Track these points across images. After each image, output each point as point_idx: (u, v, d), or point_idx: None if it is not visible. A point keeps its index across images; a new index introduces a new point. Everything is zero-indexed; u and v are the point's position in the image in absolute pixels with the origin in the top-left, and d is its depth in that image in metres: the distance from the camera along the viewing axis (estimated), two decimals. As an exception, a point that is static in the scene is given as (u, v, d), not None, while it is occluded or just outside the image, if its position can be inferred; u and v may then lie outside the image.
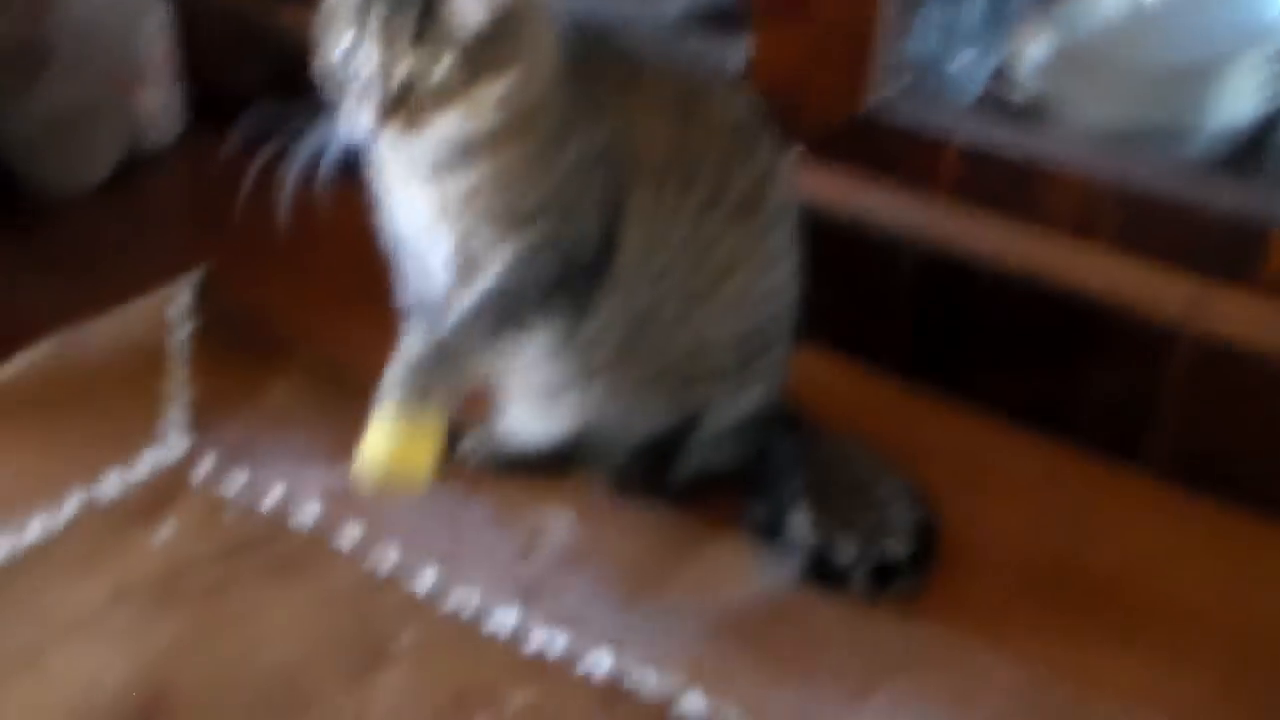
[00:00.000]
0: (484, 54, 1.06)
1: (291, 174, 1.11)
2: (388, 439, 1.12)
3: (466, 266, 1.18)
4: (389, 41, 1.05)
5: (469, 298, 1.17)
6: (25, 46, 1.61)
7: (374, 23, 1.05)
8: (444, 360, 1.15)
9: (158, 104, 1.75)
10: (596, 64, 1.15)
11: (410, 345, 1.17)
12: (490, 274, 1.17)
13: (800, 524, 1.19)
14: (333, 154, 1.10)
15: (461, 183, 1.13)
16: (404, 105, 1.06)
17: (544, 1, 1.11)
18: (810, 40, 1.41)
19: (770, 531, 1.21)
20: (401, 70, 1.05)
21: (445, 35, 1.05)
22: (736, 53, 1.46)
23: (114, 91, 1.70)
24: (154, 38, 1.74)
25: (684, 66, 1.22)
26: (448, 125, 1.08)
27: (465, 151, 1.11)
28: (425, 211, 1.17)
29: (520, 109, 1.10)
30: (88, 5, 1.63)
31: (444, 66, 1.05)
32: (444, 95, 1.06)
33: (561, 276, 1.16)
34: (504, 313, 1.16)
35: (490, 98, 1.08)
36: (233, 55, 1.77)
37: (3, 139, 1.65)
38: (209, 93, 1.78)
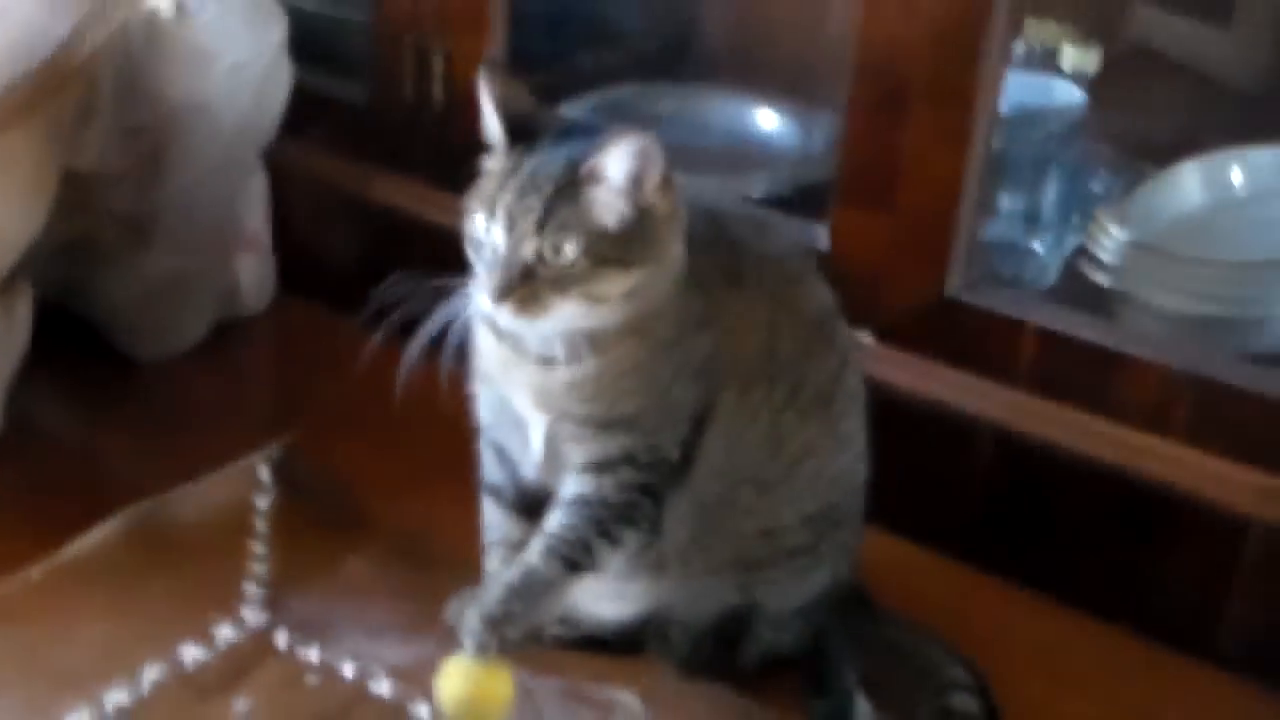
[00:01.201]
0: (613, 248, 1.07)
1: (414, 349, 1.14)
2: (463, 680, 1.14)
3: (552, 460, 1.20)
4: (514, 223, 1.06)
5: (550, 527, 1.18)
6: (132, 220, 1.66)
7: (502, 202, 1.07)
8: (520, 600, 1.15)
9: (253, 272, 1.81)
10: (707, 261, 1.16)
11: (489, 584, 1.19)
12: (571, 490, 1.18)
13: (863, 714, 1.19)
14: (453, 328, 1.12)
15: (565, 376, 1.13)
16: (524, 287, 1.06)
17: (684, 209, 1.12)
18: (892, 225, 1.43)
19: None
20: (526, 251, 1.06)
21: (573, 223, 1.06)
22: (816, 234, 1.48)
23: (212, 260, 1.75)
24: (252, 207, 1.79)
25: (779, 253, 1.23)
26: (568, 314, 1.08)
27: (576, 345, 1.11)
28: (522, 398, 1.18)
29: (641, 310, 1.10)
30: (193, 179, 1.67)
31: (567, 254, 1.06)
32: (564, 282, 1.07)
33: (645, 490, 1.17)
34: (583, 540, 1.17)
35: (611, 292, 1.08)
36: (324, 226, 1.82)
37: (102, 306, 1.71)
38: (300, 262, 1.83)
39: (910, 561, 1.43)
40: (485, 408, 1.24)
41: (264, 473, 1.45)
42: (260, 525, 1.41)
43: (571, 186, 1.06)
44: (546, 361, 1.13)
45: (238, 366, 1.76)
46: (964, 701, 1.23)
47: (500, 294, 1.07)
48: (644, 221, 1.07)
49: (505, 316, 1.09)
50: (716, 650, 1.28)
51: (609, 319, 1.10)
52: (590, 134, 1.10)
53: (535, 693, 1.25)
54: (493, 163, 1.12)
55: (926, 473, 1.43)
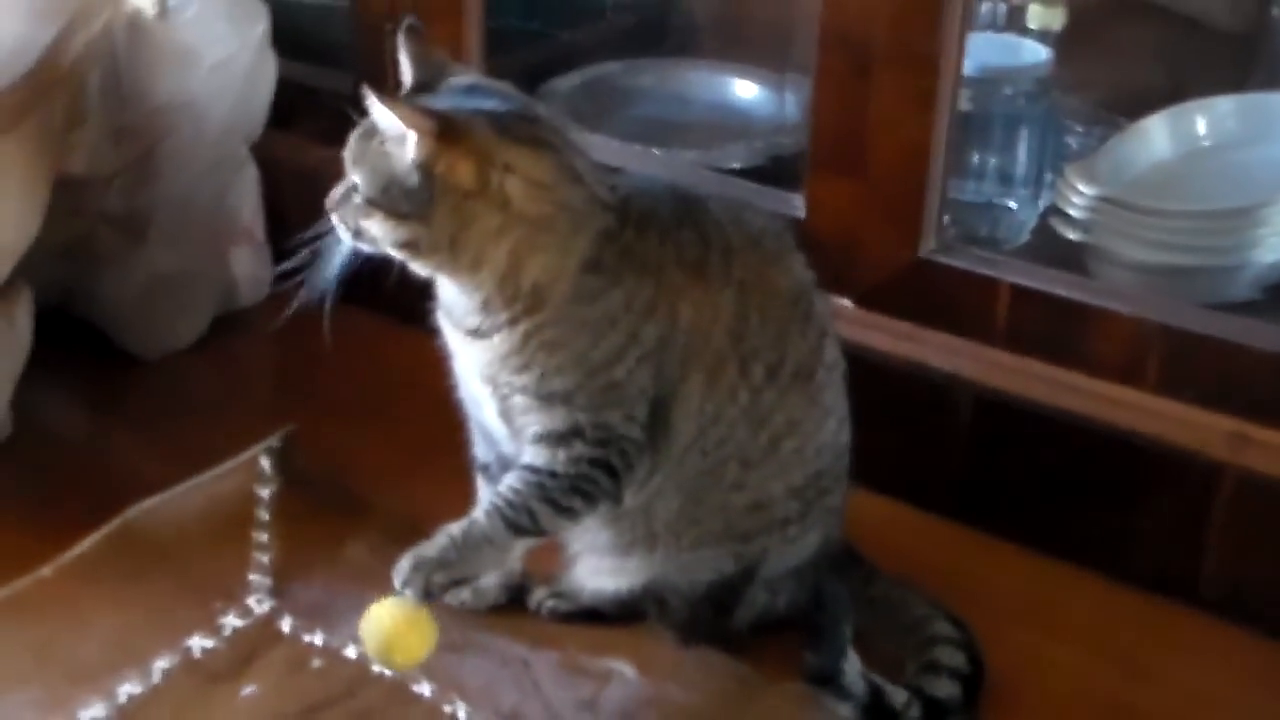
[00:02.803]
0: (386, 196, 1.14)
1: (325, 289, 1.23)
2: (386, 618, 1.19)
3: (512, 429, 1.24)
4: (348, 152, 1.18)
5: (501, 486, 1.23)
6: (127, 221, 1.70)
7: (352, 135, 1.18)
8: (459, 551, 1.21)
9: (248, 265, 1.84)
10: (658, 251, 1.20)
11: (435, 535, 1.23)
12: (525, 458, 1.23)
13: (854, 671, 1.22)
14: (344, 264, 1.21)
15: (491, 347, 1.19)
16: (343, 206, 1.18)
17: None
18: (865, 191, 1.46)
19: (826, 678, 1.24)
20: (350, 177, 1.17)
21: (365, 162, 1.16)
22: (793, 203, 1.51)
23: (208, 256, 1.79)
24: (245, 201, 1.82)
25: (754, 234, 1.25)
26: (374, 241, 1.17)
27: (486, 316, 1.18)
28: (470, 375, 1.24)
29: (501, 281, 1.16)
30: (184, 176, 1.71)
31: (361, 187, 1.16)
32: (358, 212, 1.16)
33: (596, 464, 1.21)
34: (526, 505, 1.21)
35: (375, 233, 1.16)
36: (316, 217, 1.85)
37: (102, 306, 1.74)
38: (294, 254, 1.86)
39: (895, 520, 1.46)
40: (460, 389, 1.29)
41: (265, 464, 1.49)
42: (263, 515, 1.44)
43: (372, 132, 1.16)
44: (473, 333, 1.20)
45: (237, 359, 1.79)
46: (950, 655, 1.26)
47: (330, 202, 1.19)
48: (431, 185, 1.13)
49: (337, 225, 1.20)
50: (711, 616, 1.31)
51: (419, 265, 1.17)
52: (490, 95, 1.18)
53: (533, 665, 1.29)
54: None
55: (908, 432, 1.46)
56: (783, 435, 1.25)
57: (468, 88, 1.19)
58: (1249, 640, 1.33)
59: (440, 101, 1.16)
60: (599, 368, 1.18)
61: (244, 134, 1.77)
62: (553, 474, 1.21)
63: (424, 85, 1.19)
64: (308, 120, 1.85)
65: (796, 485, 1.27)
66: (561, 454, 1.21)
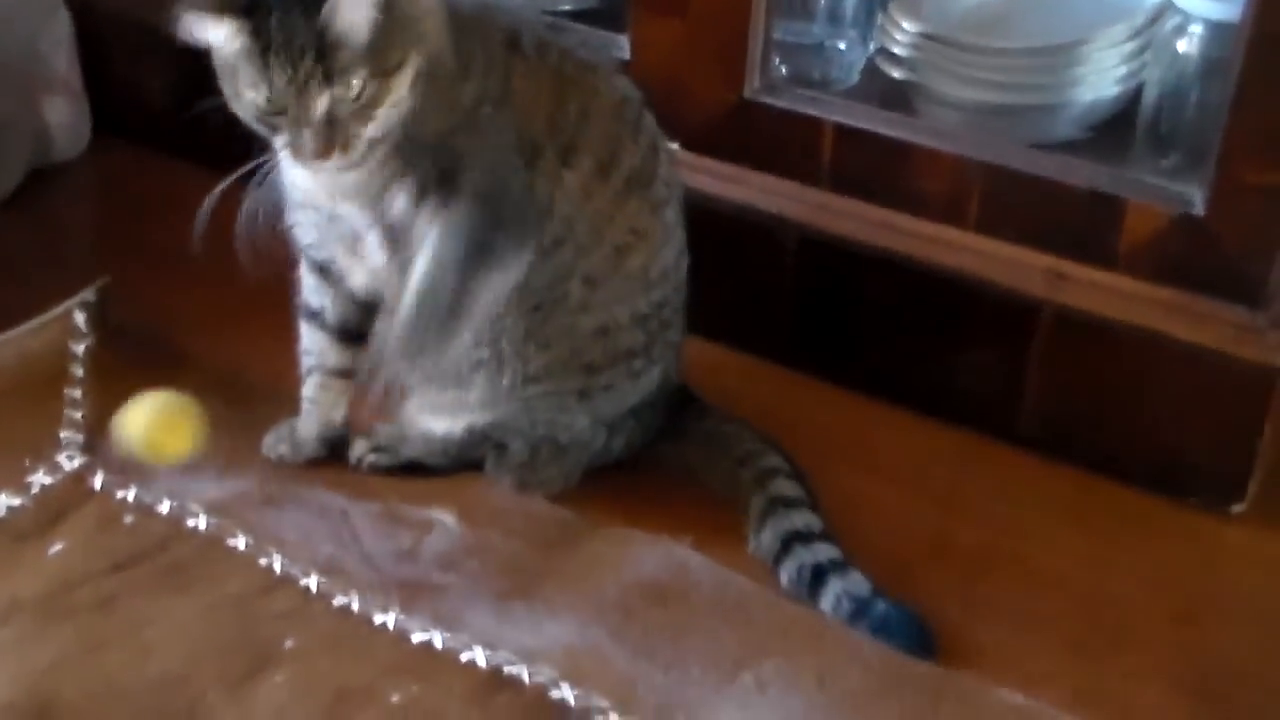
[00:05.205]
0: (388, 55, 1.11)
1: (248, 214, 1.18)
2: (149, 414, 1.18)
3: (392, 238, 1.22)
4: (301, 91, 1.10)
5: (423, 253, 1.19)
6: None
7: (278, 79, 1.09)
8: (431, 314, 1.17)
9: (64, 116, 1.78)
10: (482, 25, 1.20)
11: (397, 315, 1.19)
12: (432, 231, 1.19)
13: None
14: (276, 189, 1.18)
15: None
16: (335, 134, 1.11)
17: None
18: (688, 31, 1.43)
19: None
20: (321, 107, 1.10)
21: (348, 61, 1.09)
22: (619, 45, 1.49)
23: (19, 104, 1.72)
24: (59, 49, 1.76)
25: (563, 41, 1.26)
26: (379, 127, 1.13)
27: None
28: (348, 200, 1.20)
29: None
30: (-11, 19, 1.64)
31: (359, 85, 1.10)
32: (367, 108, 1.11)
33: (495, 218, 1.18)
34: (466, 251, 1.18)
35: (406, 84, 1.12)
36: (135, 64, 1.79)
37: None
38: (115, 103, 1.80)
39: (721, 363, 1.46)
40: (307, 231, 1.26)
41: (79, 318, 1.45)
42: (77, 371, 1.41)
43: (326, 33, 1.09)
44: None
45: (54, 214, 1.74)
46: (787, 486, 1.28)
47: (320, 155, 1.12)
48: (393, 13, 1.10)
49: (332, 167, 1.14)
50: (551, 457, 1.31)
51: (406, 106, 1.14)
52: None
53: (351, 516, 1.28)
54: (230, 46, 1.12)
55: (735, 276, 1.45)
56: (627, 248, 1.25)
57: None
58: (1064, 474, 1.36)
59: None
60: (469, 110, 1.18)
61: (48, -24, 1.70)
62: (467, 213, 1.18)
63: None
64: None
65: (641, 312, 1.28)
66: (460, 198, 1.18)
